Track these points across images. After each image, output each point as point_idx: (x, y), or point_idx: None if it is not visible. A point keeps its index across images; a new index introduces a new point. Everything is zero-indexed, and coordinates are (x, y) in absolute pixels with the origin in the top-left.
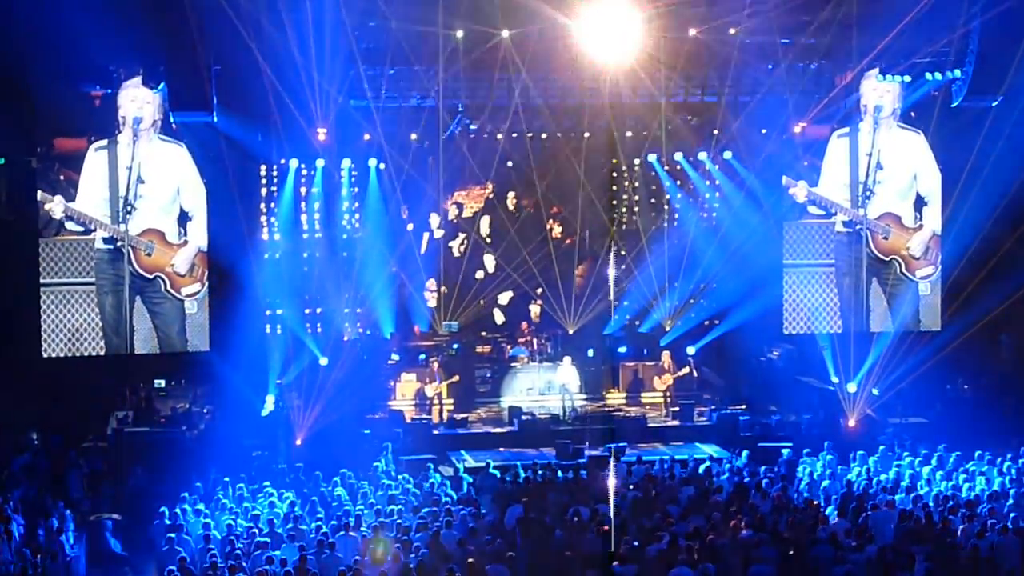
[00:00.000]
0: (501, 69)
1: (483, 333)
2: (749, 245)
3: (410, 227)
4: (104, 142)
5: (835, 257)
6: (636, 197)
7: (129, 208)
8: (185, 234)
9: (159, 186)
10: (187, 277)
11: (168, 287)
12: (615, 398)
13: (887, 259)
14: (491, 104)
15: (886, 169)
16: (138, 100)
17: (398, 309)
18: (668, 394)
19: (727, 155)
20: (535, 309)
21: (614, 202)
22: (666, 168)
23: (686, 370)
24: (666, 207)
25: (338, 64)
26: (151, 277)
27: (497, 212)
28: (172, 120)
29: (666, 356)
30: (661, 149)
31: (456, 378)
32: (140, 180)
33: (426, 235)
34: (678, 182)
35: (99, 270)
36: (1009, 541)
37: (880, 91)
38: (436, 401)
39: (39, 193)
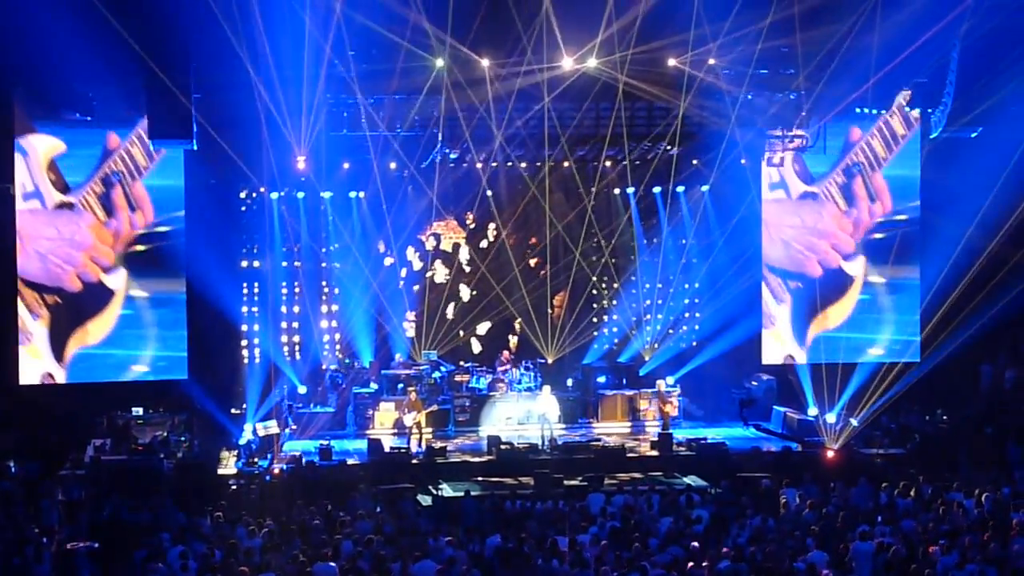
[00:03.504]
0: (480, 98)
1: (461, 363)
2: (727, 276)
3: (388, 261)
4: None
5: (818, 287)
6: (615, 228)
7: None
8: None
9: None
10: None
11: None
12: (611, 428)
13: (868, 286)
14: (470, 133)
15: (871, 201)
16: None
17: (377, 338)
18: (666, 420)
19: (704, 188)
20: (513, 339)
21: (592, 232)
22: (644, 199)
23: (676, 390)
24: (645, 238)
25: (317, 93)
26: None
27: (476, 242)
28: (152, 148)
29: (660, 384)
30: (640, 179)
31: (435, 407)
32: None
33: (404, 270)
34: (656, 213)
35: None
36: (988, 573)
37: (864, 123)
38: (415, 430)
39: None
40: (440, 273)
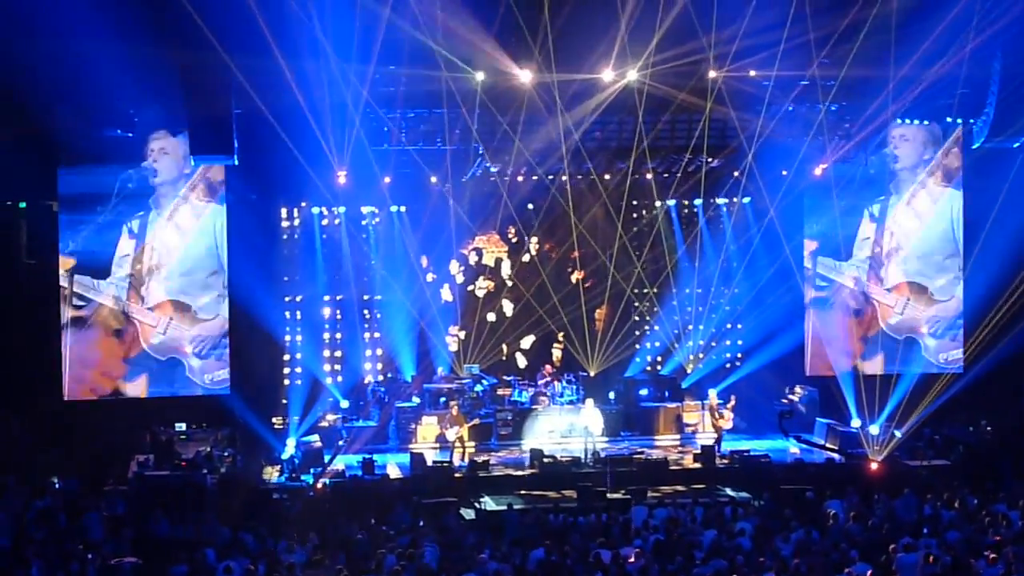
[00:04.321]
0: (521, 111)
1: (503, 376)
2: (770, 287)
3: (431, 277)
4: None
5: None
6: (655, 240)
7: (143, 282)
8: (214, 308)
9: (193, 249)
10: (211, 359)
11: (187, 372)
12: (661, 441)
13: (901, 338)
14: (511, 147)
15: (915, 232)
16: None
17: (419, 352)
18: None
19: (746, 200)
20: (557, 352)
21: (635, 244)
22: (686, 211)
23: (731, 403)
24: (686, 251)
25: (358, 108)
26: (164, 359)
27: (518, 256)
28: (193, 162)
29: (713, 398)
30: (680, 192)
31: (476, 421)
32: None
33: (446, 284)
34: (698, 225)
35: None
36: None
37: (906, 136)
38: (458, 445)
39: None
40: (482, 287)
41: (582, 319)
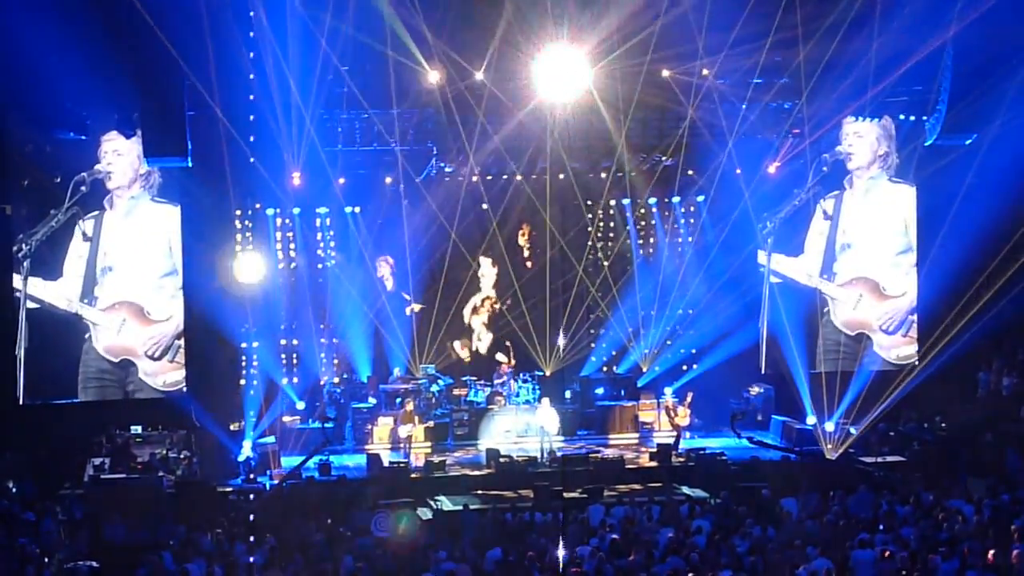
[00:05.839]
0: (476, 111)
1: (462, 377)
2: (725, 284)
3: (389, 283)
4: (95, 213)
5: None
6: (611, 239)
7: (96, 283)
8: (168, 309)
9: (145, 251)
10: (164, 361)
11: (139, 375)
12: (619, 440)
13: (853, 334)
14: (465, 146)
15: (868, 228)
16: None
17: (375, 353)
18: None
19: (700, 198)
20: (509, 354)
21: (589, 243)
22: (640, 210)
23: (688, 400)
24: (641, 249)
25: (312, 108)
26: (117, 360)
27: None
28: (147, 164)
29: (667, 392)
30: (635, 190)
31: (431, 424)
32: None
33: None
34: (652, 224)
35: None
36: None
37: (859, 132)
38: (409, 443)
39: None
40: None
41: (538, 318)
